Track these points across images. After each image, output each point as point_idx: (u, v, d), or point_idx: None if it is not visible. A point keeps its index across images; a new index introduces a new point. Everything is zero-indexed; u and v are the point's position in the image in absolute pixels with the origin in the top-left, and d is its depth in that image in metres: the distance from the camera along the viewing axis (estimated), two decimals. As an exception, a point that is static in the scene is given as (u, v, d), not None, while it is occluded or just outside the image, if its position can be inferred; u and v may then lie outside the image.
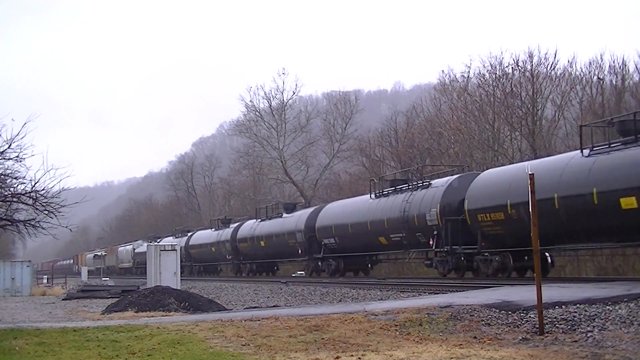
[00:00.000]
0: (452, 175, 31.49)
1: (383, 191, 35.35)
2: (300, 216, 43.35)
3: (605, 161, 21.28)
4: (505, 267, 25.89)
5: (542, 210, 20.08)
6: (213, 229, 59.99)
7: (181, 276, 56.95)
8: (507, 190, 24.76)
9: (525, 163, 27.26)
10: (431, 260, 30.91)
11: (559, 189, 22.07)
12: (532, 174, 12.21)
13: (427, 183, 31.68)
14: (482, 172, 30.22)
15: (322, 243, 39.59)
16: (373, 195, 36.04)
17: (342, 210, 39.28)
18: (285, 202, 53.97)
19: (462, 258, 28.75)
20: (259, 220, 50.34)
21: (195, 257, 63.43)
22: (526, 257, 25.30)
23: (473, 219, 26.74)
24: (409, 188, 32.99)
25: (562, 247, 24.86)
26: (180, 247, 60.25)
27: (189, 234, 66.43)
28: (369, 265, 40.10)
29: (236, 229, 53.84)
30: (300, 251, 42.16)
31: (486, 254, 26.57)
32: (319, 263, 40.34)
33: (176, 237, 67.23)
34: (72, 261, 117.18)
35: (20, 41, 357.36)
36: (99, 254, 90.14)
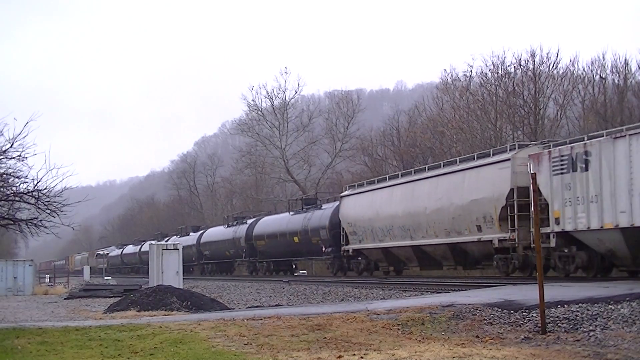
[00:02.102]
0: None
1: (297, 209, 45.97)
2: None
3: (292, 217, 45.39)
4: (368, 267, 36.98)
5: (287, 240, 44.79)
6: (226, 226, 57.33)
7: (192, 276, 57.07)
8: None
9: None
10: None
11: (288, 229, 44.12)
12: (534, 173, 12.22)
13: (320, 205, 43.05)
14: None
15: (257, 249, 49.01)
16: (292, 212, 46.44)
17: (272, 222, 49.42)
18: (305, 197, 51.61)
19: (344, 260, 38.67)
20: (291, 213, 47.02)
21: (208, 255, 60.69)
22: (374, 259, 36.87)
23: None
24: (310, 208, 43.46)
25: (297, 259, 47.10)
26: (192, 245, 60.59)
27: (201, 232, 63.74)
28: (293, 266, 49.57)
29: (252, 226, 51.07)
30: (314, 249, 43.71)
31: (358, 257, 37.17)
32: (256, 264, 47.62)
33: (182, 236, 66.04)
34: (64, 262, 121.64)
35: (25, 41, 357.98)
36: (85, 255, 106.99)
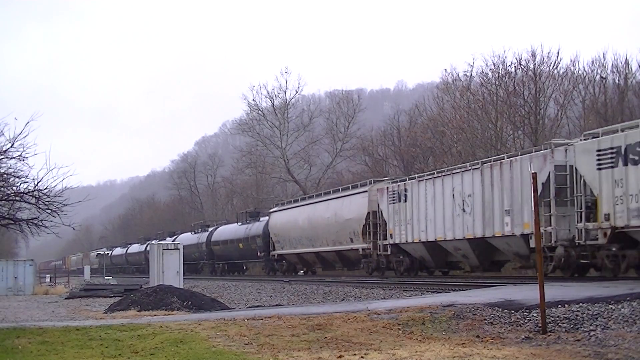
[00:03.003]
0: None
1: (243, 221, 55.04)
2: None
3: (239, 227, 54.32)
4: (289, 269, 46.66)
5: (235, 246, 53.87)
6: (240, 223, 55.99)
7: (200, 275, 58.18)
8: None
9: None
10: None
11: (236, 237, 52.49)
12: (535, 172, 12.23)
13: (259, 218, 52.10)
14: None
15: (215, 252, 58.13)
16: (239, 223, 55.53)
17: (225, 230, 57.57)
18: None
19: (274, 263, 48.01)
20: (239, 223, 55.96)
21: (219, 254, 59.38)
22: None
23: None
24: (251, 220, 52.85)
25: (242, 261, 55.00)
26: (201, 244, 61.05)
27: (210, 229, 62.49)
28: (244, 267, 58.92)
29: (211, 233, 55.41)
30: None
31: (282, 260, 47.17)
32: (214, 265, 54.05)
33: (195, 233, 65.37)
34: (61, 262, 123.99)
35: (26, 41, 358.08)
36: (80, 256, 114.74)
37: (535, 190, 12.31)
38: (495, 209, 25.04)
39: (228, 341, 12.04)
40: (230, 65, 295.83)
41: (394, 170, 54.71)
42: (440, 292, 20.72)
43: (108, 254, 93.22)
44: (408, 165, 52.20)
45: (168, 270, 31.20)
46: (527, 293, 15.47)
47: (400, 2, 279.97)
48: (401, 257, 32.57)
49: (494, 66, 45.79)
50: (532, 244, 22.19)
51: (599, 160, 20.04)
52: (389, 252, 32.95)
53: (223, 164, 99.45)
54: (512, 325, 12.40)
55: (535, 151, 24.00)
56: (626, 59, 42.34)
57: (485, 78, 46.92)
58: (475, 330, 12.21)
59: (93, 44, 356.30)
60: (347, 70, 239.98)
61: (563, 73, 44.23)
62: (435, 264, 31.05)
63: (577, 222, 21.04)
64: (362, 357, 10.03)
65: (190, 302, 22.34)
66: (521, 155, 24.51)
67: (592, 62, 43.86)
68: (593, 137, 20.96)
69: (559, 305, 13.29)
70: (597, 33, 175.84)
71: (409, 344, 11.05)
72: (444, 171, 29.40)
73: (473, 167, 27.13)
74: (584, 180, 20.73)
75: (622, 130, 19.83)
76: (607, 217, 19.75)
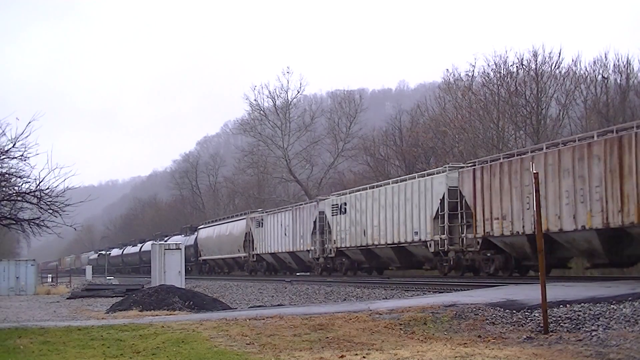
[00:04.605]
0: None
1: (185, 233, 67.20)
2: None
3: (182, 237, 65.26)
4: (212, 270, 60.73)
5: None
6: (183, 235, 61.77)
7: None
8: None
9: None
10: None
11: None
12: (537, 172, 12.21)
13: (195, 230, 65.46)
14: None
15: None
16: (183, 234, 66.55)
17: (174, 240, 62.84)
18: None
19: (202, 266, 63.01)
20: (182, 235, 66.65)
21: (145, 260, 63.59)
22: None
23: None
24: (189, 233, 66.05)
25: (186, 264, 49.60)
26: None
27: (140, 244, 68.75)
28: (189, 268, 62.53)
29: (197, 236, 61.58)
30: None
31: (207, 264, 61.81)
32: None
33: (185, 235, 66.93)
34: (57, 262, 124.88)
35: (28, 41, 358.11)
36: (72, 257, 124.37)
37: (537, 190, 12.28)
38: (407, 221, 30.88)
39: (230, 341, 12.04)
40: (232, 65, 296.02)
41: (396, 170, 54.65)
42: (442, 292, 20.70)
43: (109, 254, 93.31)
44: (410, 165, 52.14)
45: (170, 270, 31.17)
46: (528, 293, 15.46)
47: (402, 3, 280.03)
48: (343, 259, 38.11)
49: (496, 66, 45.81)
50: (432, 249, 29.46)
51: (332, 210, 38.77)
52: (333, 255, 38.50)
53: (225, 164, 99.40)
54: (514, 325, 12.40)
55: (436, 173, 30.28)
56: (628, 59, 42.23)
57: (487, 78, 46.91)
58: (477, 330, 12.21)
59: (96, 44, 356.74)
60: (348, 70, 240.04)
61: (565, 73, 44.17)
62: (369, 265, 36.85)
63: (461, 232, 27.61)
64: (363, 357, 10.02)
65: (191, 302, 22.34)
66: (427, 175, 30.71)
67: (594, 62, 43.70)
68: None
69: (561, 305, 13.28)
70: (599, 33, 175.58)
71: (411, 344, 11.04)
72: (374, 186, 35.43)
73: (394, 183, 33.51)
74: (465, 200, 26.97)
75: None
76: (334, 242, 38.23)
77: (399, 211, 31.55)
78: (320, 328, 12.99)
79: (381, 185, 34.65)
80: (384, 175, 52.48)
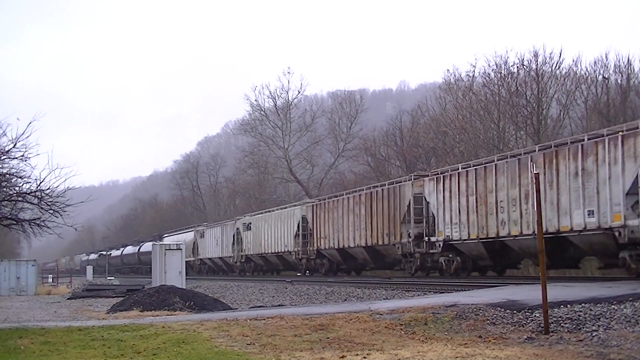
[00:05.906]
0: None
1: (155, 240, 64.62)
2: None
3: (142, 245, 78.18)
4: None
5: (135, 259, 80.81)
6: (153, 242, 62.57)
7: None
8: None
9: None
10: None
11: (136, 252, 78.35)
12: (537, 172, 12.22)
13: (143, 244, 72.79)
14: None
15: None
16: (153, 242, 67.23)
17: (146, 245, 67.75)
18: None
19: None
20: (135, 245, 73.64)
21: (145, 262, 65.56)
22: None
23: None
24: (142, 244, 74.63)
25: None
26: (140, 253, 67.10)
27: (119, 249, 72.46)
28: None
29: (137, 248, 66.93)
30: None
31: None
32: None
33: (107, 252, 70.79)
34: (54, 263, 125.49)
35: (30, 42, 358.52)
36: (67, 259, 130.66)
37: (538, 190, 12.29)
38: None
39: (230, 341, 12.04)
40: (232, 65, 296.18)
41: (396, 170, 54.68)
42: (443, 293, 20.70)
43: (109, 254, 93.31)
44: (410, 165, 52.15)
45: (170, 270, 31.16)
46: (529, 293, 15.46)
47: (402, 3, 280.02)
48: (324, 260, 41.36)
49: (497, 66, 45.82)
50: (400, 251, 32.03)
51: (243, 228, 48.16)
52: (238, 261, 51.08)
53: (225, 164, 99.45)
54: (515, 325, 12.39)
55: (404, 181, 33.24)
56: (628, 59, 42.22)
57: (487, 78, 46.91)
58: (477, 331, 12.21)
59: (97, 45, 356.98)
60: (349, 70, 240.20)
61: (565, 73, 44.16)
62: (347, 264, 39.68)
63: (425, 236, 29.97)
64: (364, 357, 10.02)
65: (192, 303, 22.34)
66: (395, 183, 33.77)
67: (595, 62, 43.70)
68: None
69: (562, 306, 13.28)
70: (600, 33, 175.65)
71: (412, 344, 11.04)
72: (344, 194, 39.18)
73: (367, 190, 36.45)
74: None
75: None
76: (242, 250, 47.17)
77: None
78: (321, 328, 12.99)
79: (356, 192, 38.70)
80: (385, 175, 52.49)
